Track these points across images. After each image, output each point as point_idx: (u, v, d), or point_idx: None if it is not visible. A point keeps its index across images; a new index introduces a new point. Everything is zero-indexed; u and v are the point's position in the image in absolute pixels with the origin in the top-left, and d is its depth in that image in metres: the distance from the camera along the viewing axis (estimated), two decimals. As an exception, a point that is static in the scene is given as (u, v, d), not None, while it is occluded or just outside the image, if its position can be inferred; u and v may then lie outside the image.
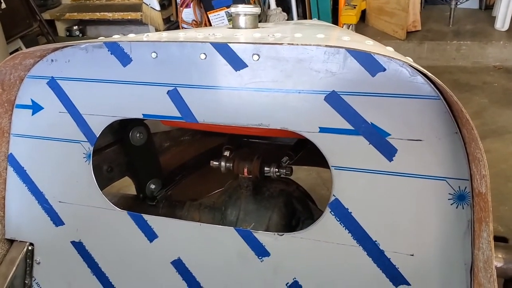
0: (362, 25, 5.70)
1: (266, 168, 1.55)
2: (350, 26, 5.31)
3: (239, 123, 1.23)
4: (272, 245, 1.24)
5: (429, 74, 1.00)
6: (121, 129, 1.72)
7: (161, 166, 1.83)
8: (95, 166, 1.69)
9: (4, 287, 1.49)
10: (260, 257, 1.26)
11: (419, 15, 5.43)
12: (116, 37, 1.37)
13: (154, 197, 1.79)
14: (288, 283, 1.24)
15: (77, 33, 5.97)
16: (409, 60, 1.13)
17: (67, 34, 5.99)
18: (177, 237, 1.34)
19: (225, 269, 1.30)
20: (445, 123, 1.05)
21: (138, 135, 1.71)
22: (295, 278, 1.23)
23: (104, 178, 1.75)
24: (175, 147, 2.00)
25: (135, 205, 1.84)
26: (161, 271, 1.36)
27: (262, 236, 1.25)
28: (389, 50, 1.15)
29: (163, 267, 1.35)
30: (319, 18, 5.19)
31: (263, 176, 1.56)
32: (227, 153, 1.64)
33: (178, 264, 1.34)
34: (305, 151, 1.65)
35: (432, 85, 1.04)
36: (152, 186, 1.79)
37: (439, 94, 1.04)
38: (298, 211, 1.63)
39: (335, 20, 5.40)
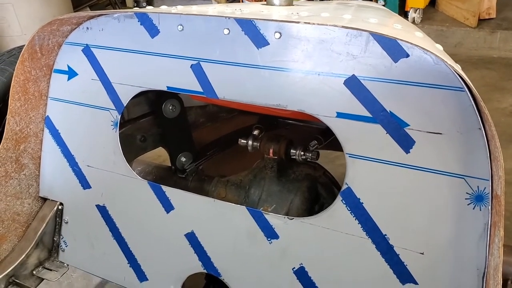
0: (431, 10, 5.42)
1: (292, 151, 1.52)
2: (418, 10, 5.07)
3: (257, 102, 1.21)
4: (281, 228, 1.23)
5: (453, 64, 0.93)
6: (156, 100, 1.75)
7: (193, 140, 1.85)
8: (129, 134, 1.74)
9: (34, 241, 1.58)
10: (269, 239, 1.25)
11: (495, 2, 5.07)
12: (149, 8, 1.38)
13: (184, 170, 1.82)
14: (294, 268, 1.22)
15: (144, 4, 6.11)
16: (439, 47, 1.06)
17: (134, 5, 6.15)
18: (192, 210, 1.35)
19: (235, 247, 1.30)
20: (468, 117, 0.97)
21: (170, 107, 1.73)
22: (301, 264, 1.21)
23: (137, 147, 1.80)
24: (210, 123, 2.01)
25: (167, 176, 1.88)
26: (175, 242, 1.38)
27: (272, 218, 1.23)
28: (417, 36, 1.08)
29: (177, 238, 1.37)
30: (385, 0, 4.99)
31: (288, 158, 1.54)
32: (256, 132, 1.63)
33: (191, 237, 1.35)
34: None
35: (458, 76, 0.96)
36: (183, 159, 1.81)
37: (464, 86, 0.96)
38: (322, 197, 1.60)
39: (402, 3, 5.17)
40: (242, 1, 5.17)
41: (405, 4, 5.13)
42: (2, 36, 4.06)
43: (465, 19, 5.00)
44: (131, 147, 1.77)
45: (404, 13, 5.28)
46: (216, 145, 1.99)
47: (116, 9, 5.66)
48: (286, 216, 1.23)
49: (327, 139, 1.60)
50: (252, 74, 1.19)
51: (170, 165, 1.86)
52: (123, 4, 6.04)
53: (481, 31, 4.91)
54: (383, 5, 5.11)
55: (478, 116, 0.96)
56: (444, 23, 5.09)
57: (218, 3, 5.37)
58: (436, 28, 5.05)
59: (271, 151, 1.53)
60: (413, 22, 5.12)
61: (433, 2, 5.51)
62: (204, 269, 1.35)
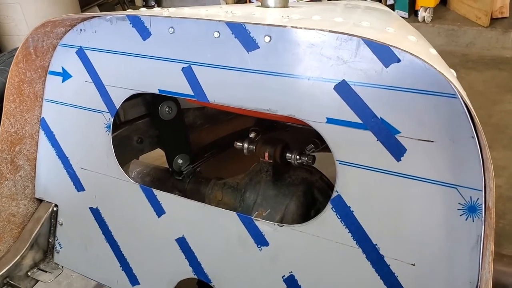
0: (442, 8, 5.33)
1: (288, 154, 1.50)
2: (428, 9, 5.00)
3: (248, 107, 1.19)
4: (271, 235, 1.20)
5: (444, 70, 0.90)
6: (152, 102, 1.74)
7: (190, 142, 1.83)
8: (126, 136, 1.73)
9: (29, 242, 1.58)
10: (259, 246, 1.22)
11: (508, 0, 4.97)
12: (142, 10, 1.37)
13: (181, 172, 1.80)
14: (284, 276, 1.20)
15: (153, 3, 6.11)
16: (433, 52, 1.03)
17: (143, 4, 6.15)
18: (183, 215, 1.34)
19: (225, 253, 1.28)
20: (461, 125, 0.94)
21: (167, 109, 1.71)
22: (291, 272, 1.19)
23: (133, 149, 1.79)
24: (208, 125, 1.99)
25: (164, 178, 1.87)
26: (166, 246, 1.37)
27: (262, 225, 1.21)
28: (410, 40, 1.04)
29: (168, 243, 1.36)
30: (395, -1, 4.94)
31: (284, 162, 1.52)
32: (252, 135, 1.61)
33: (182, 242, 1.34)
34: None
35: (450, 82, 0.93)
36: (180, 161, 1.80)
37: (457, 92, 0.93)
38: (319, 202, 1.57)
39: (412, 2, 5.10)
40: (250, 1, 5.14)
41: (415, 3, 5.06)
42: (9, 35, 4.09)
43: (477, 18, 4.92)
44: (128, 149, 1.76)
45: (414, 12, 5.21)
46: (214, 147, 1.97)
47: (125, 8, 5.67)
48: (276, 223, 1.20)
49: (324, 143, 1.57)
50: (243, 78, 1.17)
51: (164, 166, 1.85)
52: (132, 3, 6.05)
53: (493, 31, 4.82)
54: (393, 5, 5.05)
55: (471, 124, 0.93)
56: (455, 22, 5.01)
57: (226, 3, 5.35)
58: (447, 27, 4.98)
59: (266, 154, 1.50)
60: (423, 21, 5.05)
61: (444, 1, 5.43)
62: (194, 274, 1.34)
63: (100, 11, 5.22)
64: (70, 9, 4.22)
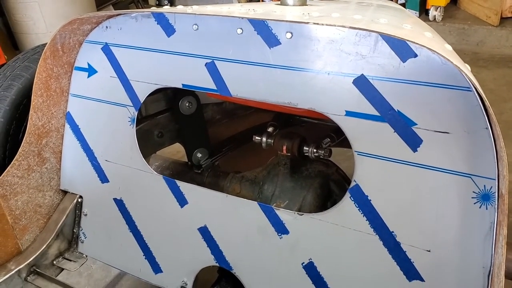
0: (452, 8, 5.35)
1: (305, 148, 1.55)
2: (439, 8, 5.02)
3: (269, 100, 1.24)
4: (291, 223, 1.25)
5: (460, 64, 0.94)
6: (173, 97, 1.79)
7: (208, 136, 1.89)
8: (147, 130, 1.79)
9: (55, 232, 1.64)
10: (279, 234, 1.27)
11: (518, 0, 4.99)
12: (165, 8, 1.42)
13: (200, 166, 1.86)
14: (303, 263, 1.25)
15: (166, 2, 6.17)
16: (448, 48, 1.07)
17: (157, 3, 6.22)
18: (205, 205, 1.39)
19: (246, 241, 1.33)
20: (475, 117, 0.99)
21: (187, 104, 1.77)
22: (310, 259, 1.24)
23: (154, 143, 1.84)
24: (226, 120, 2.04)
25: (183, 172, 1.92)
26: (188, 236, 1.42)
27: (283, 214, 1.26)
28: (427, 36, 1.09)
29: (191, 232, 1.41)
30: (406, -2, 4.96)
31: (301, 155, 1.57)
32: (270, 130, 1.67)
33: (204, 231, 1.39)
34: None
35: (465, 76, 0.98)
36: (199, 155, 1.85)
37: (471, 86, 0.97)
38: (335, 194, 1.62)
39: (423, 1, 5.12)
40: (263, 0, 5.18)
41: (426, 2, 5.08)
42: (28, 34, 4.18)
43: (487, 17, 4.93)
44: (149, 143, 1.82)
45: (425, 11, 5.24)
46: (232, 141, 2.02)
47: (138, 7, 5.73)
48: (296, 212, 1.25)
49: (340, 137, 1.63)
50: (264, 73, 1.22)
51: (187, 160, 1.90)
52: (145, 2, 6.12)
53: (503, 30, 4.84)
54: (404, 3, 5.07)
55: (485, 116, 0.97)
56: (465, 21, 5.03)
57: (239, 1, 5.39)
58: (458, 26, 5.00)
59: (284, 148, 1.56)
60: (434, 20, 5.07)
61: (455, 0, 5.44)
62: (216, 262, 1.39)
63: (115, 10, 5.29)
64: (87, 8, 4.30)
